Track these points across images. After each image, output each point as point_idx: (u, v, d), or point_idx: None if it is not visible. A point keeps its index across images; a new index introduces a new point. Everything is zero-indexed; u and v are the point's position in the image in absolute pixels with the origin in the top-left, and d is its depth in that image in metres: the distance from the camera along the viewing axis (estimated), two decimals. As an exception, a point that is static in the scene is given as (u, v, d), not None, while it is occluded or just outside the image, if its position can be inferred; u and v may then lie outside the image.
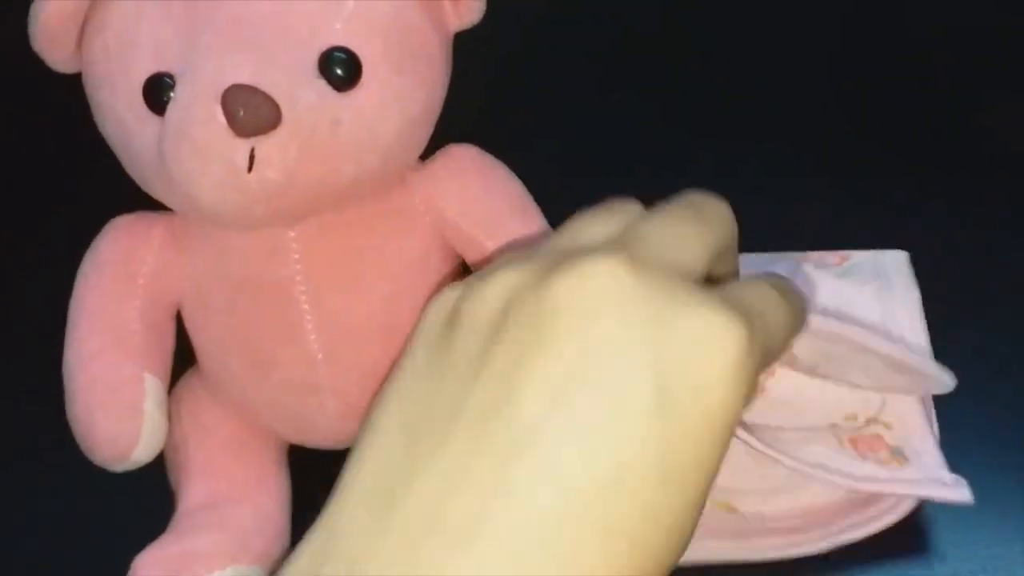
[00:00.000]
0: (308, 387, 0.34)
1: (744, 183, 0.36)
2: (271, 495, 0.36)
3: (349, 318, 0.34)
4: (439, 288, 0.35)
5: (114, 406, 0.33)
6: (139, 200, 0.33)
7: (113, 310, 0.34)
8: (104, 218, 0.36)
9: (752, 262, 0.37)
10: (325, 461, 0.37)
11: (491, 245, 0.35)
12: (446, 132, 0.34)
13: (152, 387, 0.34)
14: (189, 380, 0.37)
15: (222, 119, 0.27)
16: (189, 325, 0.35)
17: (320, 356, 0.34)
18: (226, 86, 0.27)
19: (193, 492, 0.35)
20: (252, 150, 0.28)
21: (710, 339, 0.20)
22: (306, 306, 0.33)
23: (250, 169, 0.28)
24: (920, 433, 0.34)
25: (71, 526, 0.38)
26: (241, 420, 0.36)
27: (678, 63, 0.52)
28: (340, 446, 0.36)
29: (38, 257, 0.45)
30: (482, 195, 0.35)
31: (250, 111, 0.27)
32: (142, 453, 0.34)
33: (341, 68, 0.29)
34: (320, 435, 0.36)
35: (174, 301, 0.35)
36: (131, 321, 0.34)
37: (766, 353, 0.22)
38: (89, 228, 0.36)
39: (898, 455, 0.33)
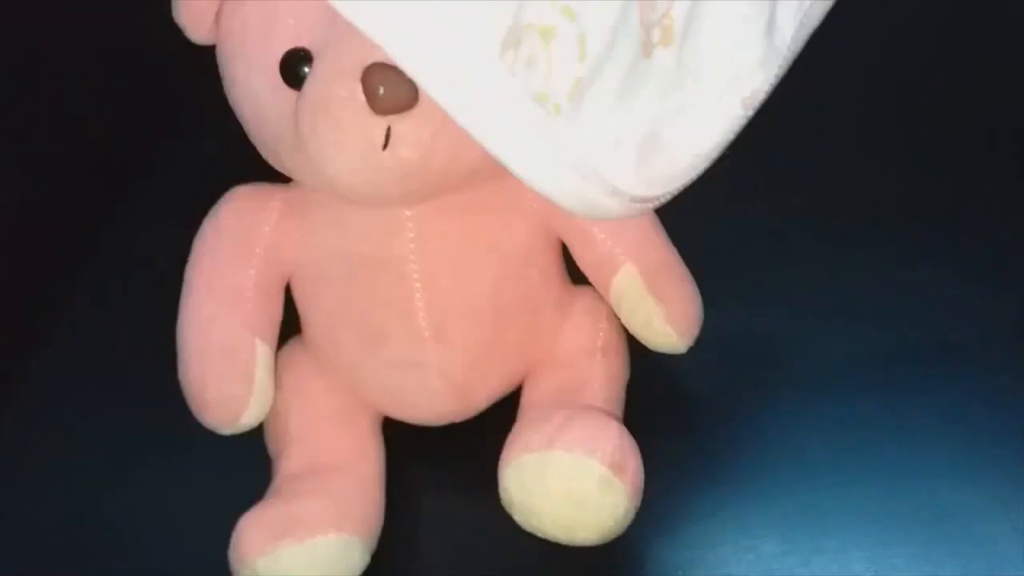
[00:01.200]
0: (414, 364, 0.35)
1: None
2: (370, 466, 0.36)
3: (458, 298, 0.34)
4: (544, 273, 0.36)
5: (227, 371, 0.34)
6: (253, 168, 0.34)
7: (229, 277, 0.35)
8: (217, 186, 0.37)
9: None
10: (416, 437, 0.38)
11: (598, 233, 0.35)
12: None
13: (262, 354, 0.35)
14: (292, 348, 0.38)
15: (361, 97, 0.28)
16: (300, 296, 0.36)
17: (428, 334, 0.34)
18: (367, 64, 0.28)
19: (295, 458, 0.36)
20: (388, 128, 0.29)
21: None
22: (418, 284, 0.34)
23: (385, 147, 0.29)
24: None
25: (171, 491, 0.39)
26: (343, 391, 0.37)
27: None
28: (436, 423, 0.37)
29: (151, 220, 0.47)
30: None
31: (389, 90, 0.28)
32: (250, 417, 0.35)
33: None
34: (419, 412, 0.37)
35: (287, 272, 0.36)
36: (246, 289, 0.35)
37: None
38: (201, 194, 0.37)
39: None
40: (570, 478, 0.32)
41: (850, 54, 0.48)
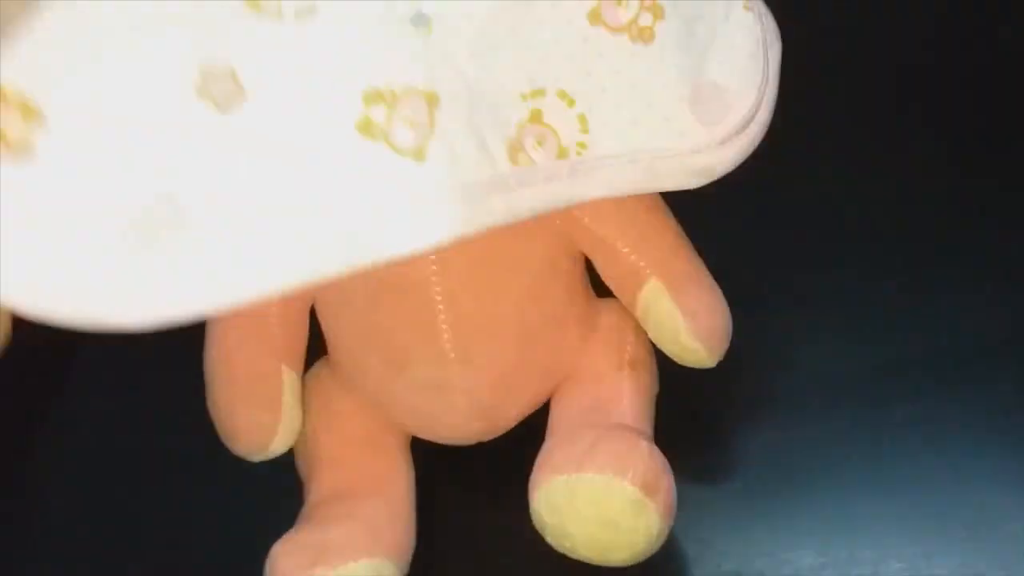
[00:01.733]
0: (440, 385, 0.35)
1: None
2: (399, 488, 0.36)
3: (482, 319, 0.34)
4: (568, 289, 0.36)
5: (255, 399, 0.34)
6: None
7: (253, 306, 0.35)
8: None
9: None
10: (445, 456, 0.38)
11: (622, 246, 0.35)
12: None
13: (289, 380, 0.35)
14: (319, 372, 0.38)
15: None
16: (325, 320, 0.36)
17: (453, 355, 0.34)
18: None
19: (325, 483, 0.36)
20: None
21: None
22: (441, 306, 0.33)
23: None
24: None
25: (202, 518, 0.39)
26: (371, 413, 0.37)
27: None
28: (464, 443, 0.37)
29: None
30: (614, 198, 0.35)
31: None
32: (280, 444, 0.35)
33: None
34: (447, 432, 0.36)
35: (310, 297, 0.36)
36: (269, 316, 0.35)
37: None
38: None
39: None
40: (601, 501, 0.31)
41: (850, 65, 0.48)
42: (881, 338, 0.39)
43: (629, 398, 0.36)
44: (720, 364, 0.36)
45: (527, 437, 0.36)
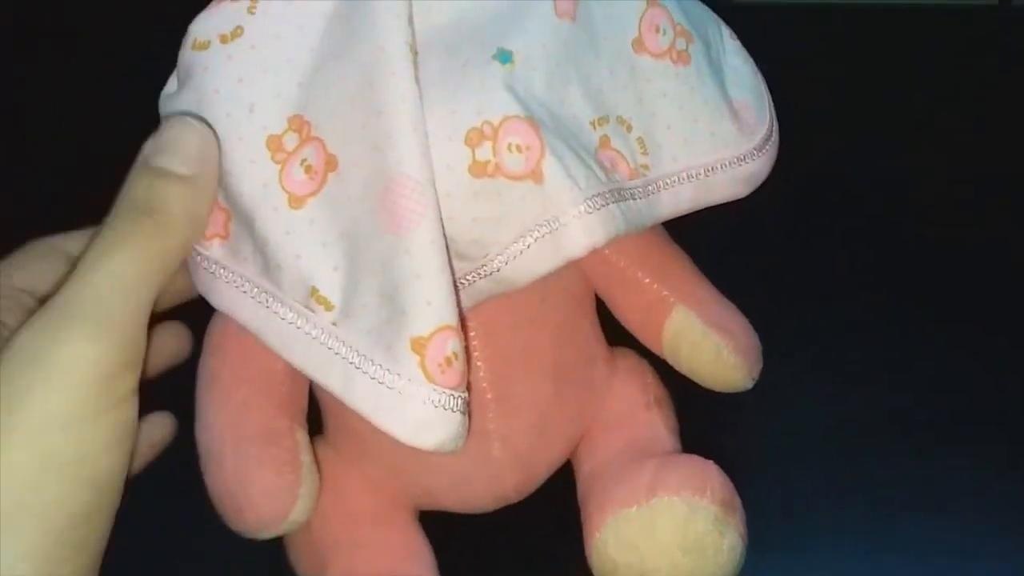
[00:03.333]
0: (476, 432, 0.31)
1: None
2: (424, 565, 0.32)
3: (520, 353, 0.32)
4: (594, 327, 0.35)
5: (272, 460, 0.30)
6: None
7: (258, 359, 0.31)
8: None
9: None
10: (461, 532, 0.35)
11: (643, 277, 0.34)
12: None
13: (304, 440, 0.31)
14: (317, 449, 0.34)
15: None
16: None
17: (490, 396, 0.31)
18: None
19: (345, 566, 0.31)
20: None
21: None
22: (476, 341, 0.31)
23: None
24: None
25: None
26: (380, 489, 0.33)
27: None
28: (487, 508, 0.34)
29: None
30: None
31: None
32: (300, 513, 0.30)
33: None
34: (480, 489, 0.33)
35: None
36: (276, 371, 0.31)
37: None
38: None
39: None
40: (684, 524, 0.29)
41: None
42: (877, 395, 0.40)
43: (666, 434, 0.34)
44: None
45: (537, 505, 0.34)
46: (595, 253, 0.33)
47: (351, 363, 0.26)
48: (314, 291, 0.26)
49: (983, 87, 0.51)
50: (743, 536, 0.30)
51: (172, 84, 0.29)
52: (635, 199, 0.29)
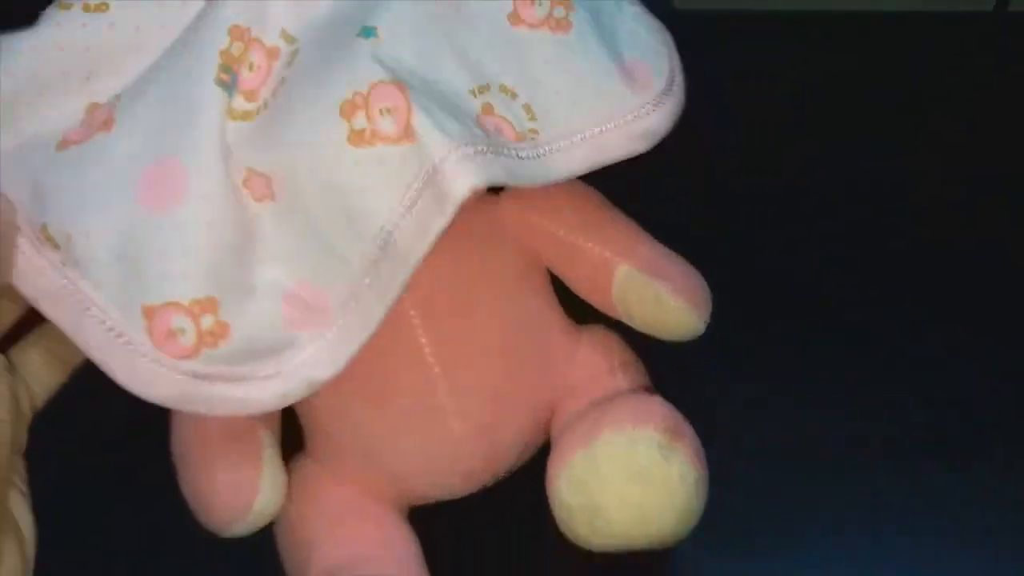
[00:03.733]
0: (432, 411, 0.32)
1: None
2: (402, 557, 0.33)
3: (462, 331, 0.33)
4: (544, 299, 0.35)
5: (234, 455, 0.31)
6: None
7: None
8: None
9: None
10: (446, 520, 0.35)
11: (585, 242, 0.35)
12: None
13: (268, 437, 0.33)
14: (299, 463, 0.35)
15: None
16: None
17: (438, 371, 0.32)
18: None
19: (327, 558, 0.32)
20: None
21: None
22: (420, 329, 0.32)
23: None
24: None
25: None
26: (359, 486, 0.34)
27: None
28: (464, 490, 0.34)
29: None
30: (569, 200, 0.36)
31: None
32: (263, 504, 0.31)
33: None
34: (447, 467, 0.33)
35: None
36: None
37: None
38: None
39: None
40: (628, 456, 0.29)
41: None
42: (876, 417, 0.39)
43: (628, 392, 0.34)
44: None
45: (521, 491, 0.34)
46: (533, 226, 0.35)
47: (84, 307, 0.27)
48: (44, 228, 0.27)
49: (976, 91, 0.50)
50: (696, 465, 0.29)
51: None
52: (521, 158, 0.29)
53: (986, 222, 0.44)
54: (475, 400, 0.33)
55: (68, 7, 0.29)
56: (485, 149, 0.28)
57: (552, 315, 0.36)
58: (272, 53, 0.29)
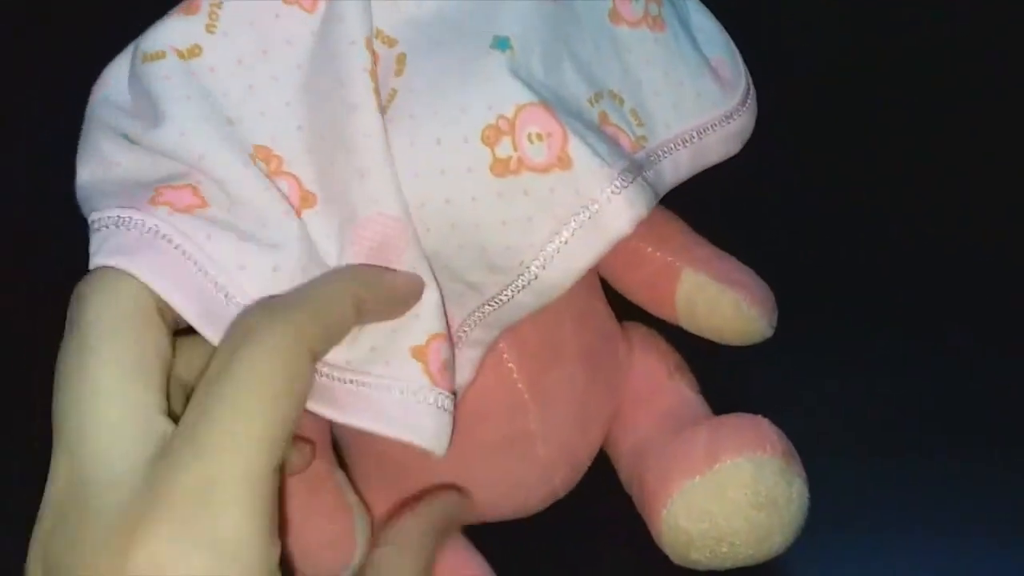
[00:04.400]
0: (520, 435, 0.31)
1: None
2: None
3: (547, 348, 0.31)
4: (605, 303, 0.34)
5: (320, 507, 0.28)
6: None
7: None
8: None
9: None
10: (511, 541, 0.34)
11: (646, 247, 0.34)
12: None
13: (343, 479, 0.30)
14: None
15: None
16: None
17: (527, 396, 0.30)
18: None
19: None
20: None
21: None
22: (502, 344, 0.30)
23: None
24: None
25: None
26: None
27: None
28: (539, 508, 0.33)
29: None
30: None
31: None
32: (362, 552, 0.29)
33: None
34: (530, 492, 0.32)
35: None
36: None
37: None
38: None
39: None
40: (754, 481, 0.29)
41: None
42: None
43: (695, 399, 0.34)
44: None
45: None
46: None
47: (341, 380, 0.25)
48: None
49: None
50: (805, 479, 0.30)
51: (107, 84, 0.27)
52: (645, 170, 0.28)
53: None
54: (561, 422, 0.31)
55: (160, 56, 0.25)
56: (634, 174, 0.26)
57: (613, 322, 0.34)
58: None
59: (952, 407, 0.39)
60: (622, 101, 0.28)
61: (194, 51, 0.26)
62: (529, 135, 0.25)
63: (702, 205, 0.34)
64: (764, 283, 0.34)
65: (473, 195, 0.25)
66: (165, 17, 0.26)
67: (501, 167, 0.25)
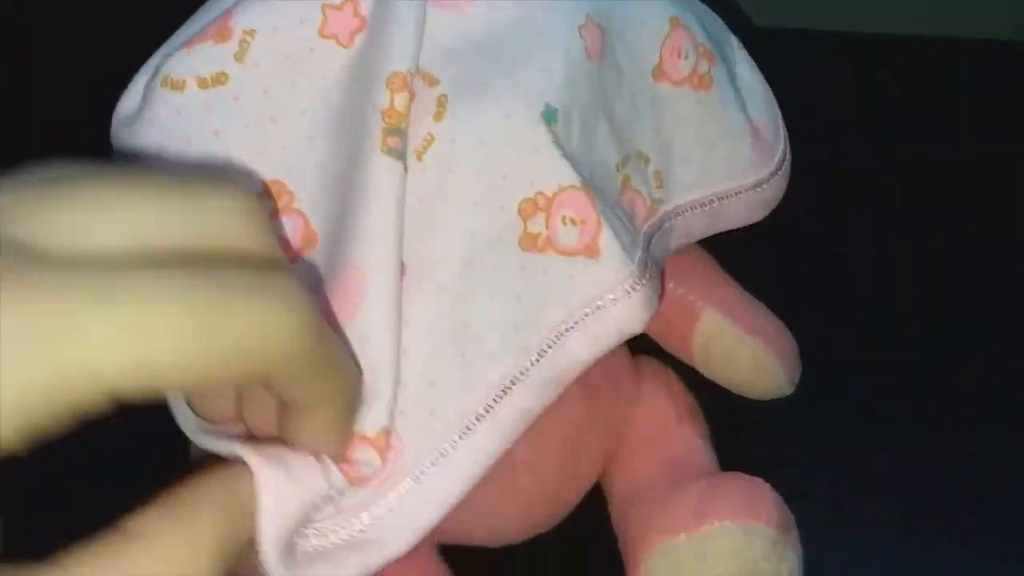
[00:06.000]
0: (502, 460, 0.29)
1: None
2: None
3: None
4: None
5: None
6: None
7: None
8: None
9: None
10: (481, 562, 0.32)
11: (667, 282, 0.32)
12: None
13: None
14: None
15: None
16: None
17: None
18: None
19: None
20: None
21: None
22: None
23: None
24: None
25: None
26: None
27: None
28: (517, 539, 0.31)
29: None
30: None
31: None
32: None
33: None
34: (506, 520, 0.30)
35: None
36: None
37: None
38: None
39: None
40: (740, 551, 0.27)
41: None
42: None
43: (703, 449, 0.32)
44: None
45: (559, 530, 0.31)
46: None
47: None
48: None
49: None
50: (800, 556, 0.28)
51: (128, 104, 0.26)
52: (652, 242, 0.27)
53: None
54: (549, 453, 0.30)
55: (180, 86, 0.24)
56: (647, 266, 0.25)
57: (622, 352, 0.33)
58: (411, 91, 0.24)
59: (999, 486, 0.36)
60: (647, 161, 0.28)
61: (219, 79, 0.24)
62: (564, 217, 0.24)
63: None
64: (790, 336, 0.32)
65: (496, 264, 0.24)
66: (194, 40, 0.25)
67: (529, 242, 0.24)
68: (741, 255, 0.34)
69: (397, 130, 0.23)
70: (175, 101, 0.24)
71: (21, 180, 0.17)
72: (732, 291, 0.32)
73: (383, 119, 0.23)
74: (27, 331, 0.14)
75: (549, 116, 0.24)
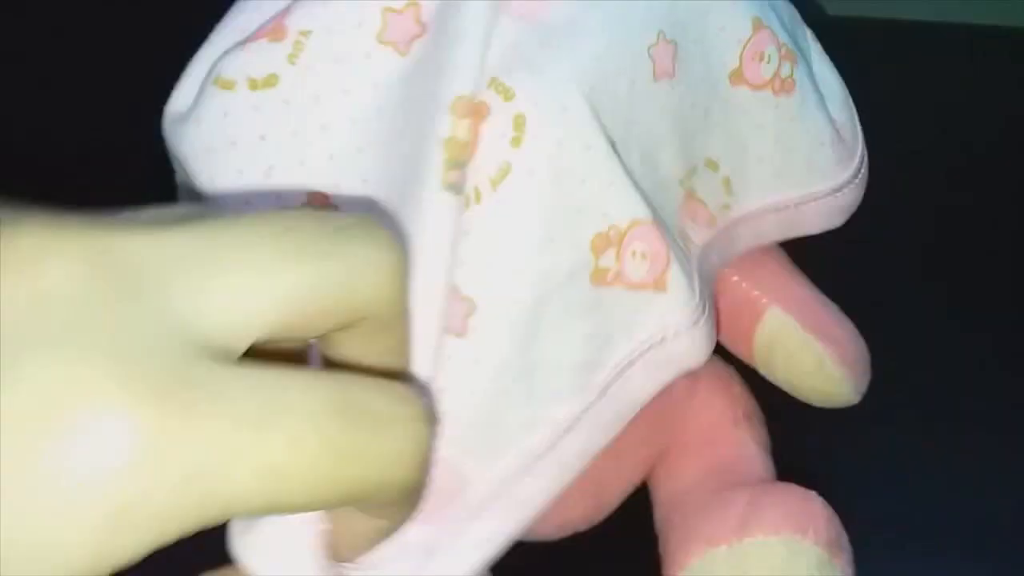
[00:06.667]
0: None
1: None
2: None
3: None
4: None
5: None
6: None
7: None
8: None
9: None
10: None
11: (732, 275, 0.30)
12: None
13: None
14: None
15: None
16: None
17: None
18: None
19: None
20: None
21: None
22: None
23: None
24: None
25: None
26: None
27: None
28: (555, 536, 0.30)
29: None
30: None
31: None
32: None
33: None
34: (543, 516, 0.29)
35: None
36: None
37: None
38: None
39: None
40: (782, 568, 0.25)
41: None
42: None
43: (757, 455, 0.30)
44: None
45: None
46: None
47: None
48: None
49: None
50: None
51: (180, 101, 0.25)
52: (712, 255, 0.26)
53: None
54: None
55: (230, 86, 0.23)
56: (705, 301, 0.25)
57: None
58: (479, 110, 0.22)
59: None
60: (717, 168, 0.26)
61: (270, 80, 0.23)
62: (634, 252, 0.23)
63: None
64: (862, 342, 0.30)
65: (567, 301, 0.23)
66: (249, 38, 0.24)
67: (599, 277, 0.23)
68: (819, 252, 0.31)
69: (459, 163, 0.22)
70: (224, 101, 0.23)
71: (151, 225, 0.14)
72: (801, 289, 0.30)
73: (445, 149, 0.21)
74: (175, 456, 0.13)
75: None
